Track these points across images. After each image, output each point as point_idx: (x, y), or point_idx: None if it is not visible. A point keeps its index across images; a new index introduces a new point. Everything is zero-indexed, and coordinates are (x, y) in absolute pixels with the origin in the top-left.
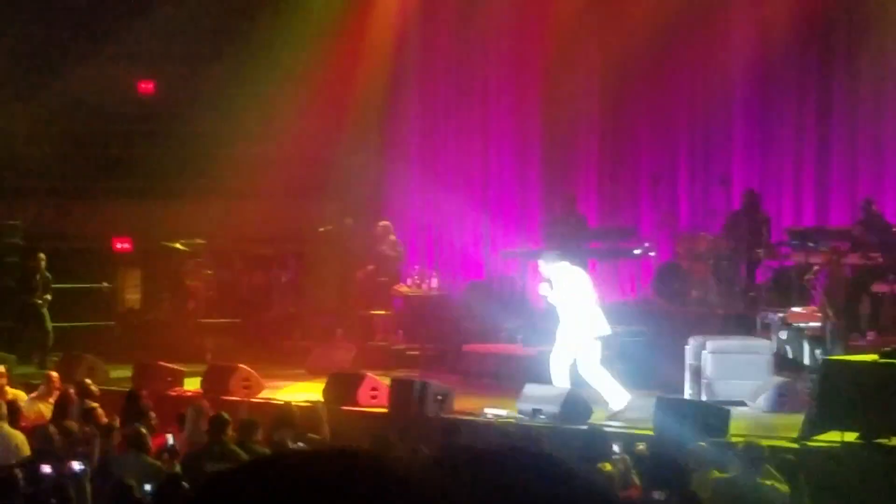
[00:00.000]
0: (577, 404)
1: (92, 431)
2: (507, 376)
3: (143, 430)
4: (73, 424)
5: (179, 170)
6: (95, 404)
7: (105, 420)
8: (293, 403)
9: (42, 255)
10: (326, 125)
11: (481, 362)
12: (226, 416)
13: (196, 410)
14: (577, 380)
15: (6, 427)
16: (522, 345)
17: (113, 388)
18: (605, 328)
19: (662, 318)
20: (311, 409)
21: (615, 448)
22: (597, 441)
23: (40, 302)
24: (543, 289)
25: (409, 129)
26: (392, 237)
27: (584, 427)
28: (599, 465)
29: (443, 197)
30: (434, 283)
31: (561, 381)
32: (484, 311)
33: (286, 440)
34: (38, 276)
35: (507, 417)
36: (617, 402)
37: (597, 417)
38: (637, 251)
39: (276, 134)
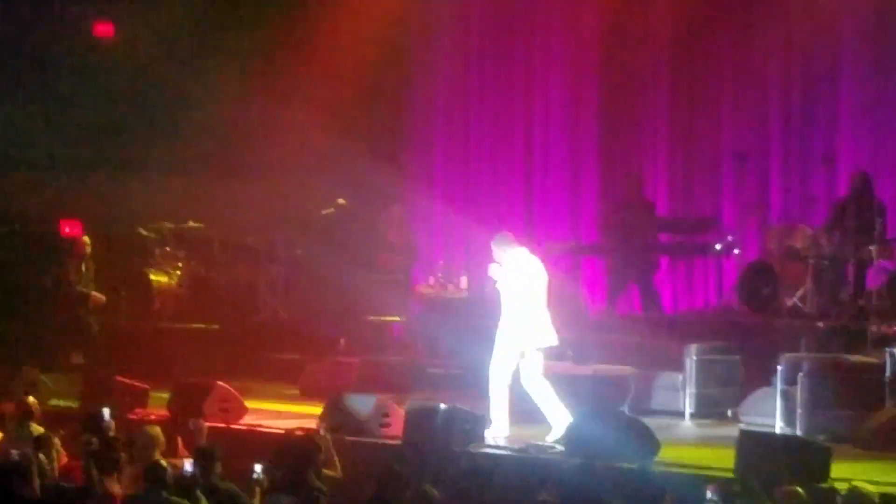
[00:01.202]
0: (641, 437)
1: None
2: None
3: (163, 462)
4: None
5: (143, 136)
6: (40, 429)
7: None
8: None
9: None
10: (327, 83)
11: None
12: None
13: (145, 439)
14: (519, 394)
15: None
16: (574, 361)
17: (58, 407)
18: (553, 337)
19: (747, 332)
20: (310, 440)
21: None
22: (649, 484)
23: None
24: (494, 270)
25: (434, 88)
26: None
27: (634, 467)
28: None
29: (475, 177)
30: (463, 283)
31: (501, 396)
32: None
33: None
34: None
35: (550, 450)
36: (560, 423)
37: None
38: (717, 247)
39: (260, 95)
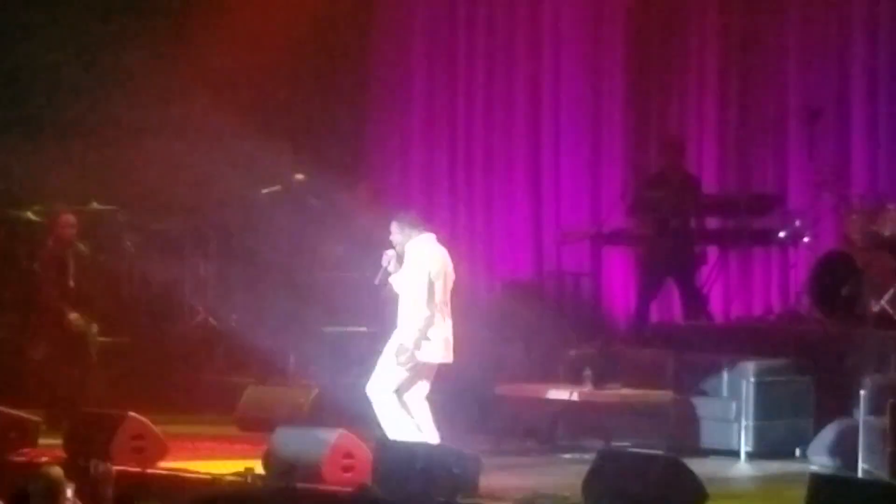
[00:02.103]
0: (684, 485)
1: None
2: (569, 435)
3: None
4: None
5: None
6: None
7: None
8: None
9: None
10: (285, 21)
11: (523, 413)
12: None
13: (46, 484)
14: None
15: None
16: (593, 385)
17: None
18: (449, 354)
19: (821, 346)
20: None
21: None
22: None
23: None
24: (388, 259)
25: (408, 26)
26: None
27: None
28: None
29: (465, 145)
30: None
31: (393, 414)
32: (529, 329)
33: None
34: None
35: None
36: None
37: None
38: (782, 234)
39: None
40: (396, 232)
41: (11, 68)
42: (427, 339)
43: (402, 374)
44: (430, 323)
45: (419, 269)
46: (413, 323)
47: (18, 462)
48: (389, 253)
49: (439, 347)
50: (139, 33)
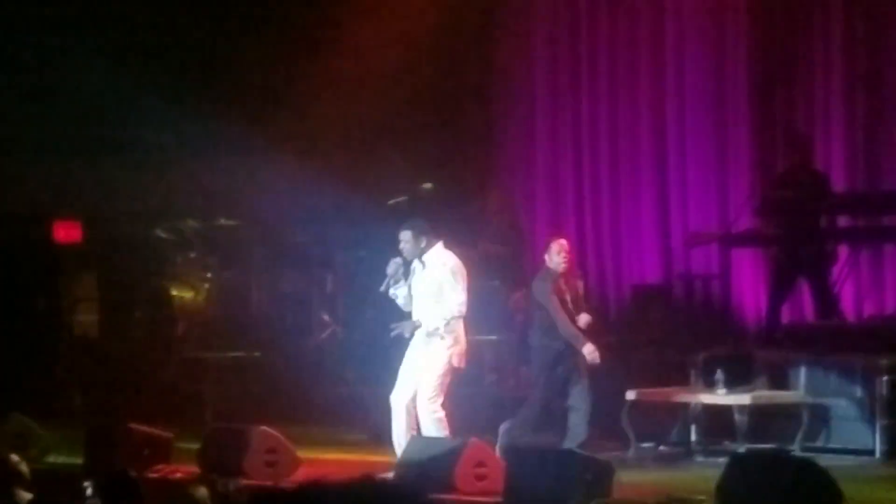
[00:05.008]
0: (818, 486)
1: None
2: (702, 439)
3: None
4: None
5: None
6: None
7: None
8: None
9: None
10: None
11: (654, 417)
12: None
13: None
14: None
15: None
16: (725, 387)
17: (57, 465)
18: (461, 358)
19: None
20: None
21: None
22: None
23: None
24: (395, 268)
25: (532, 32)
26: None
27: None
28: None
29: (590, 150)
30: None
31: (402, 426)
32: (659, 333)
33: None
34: None
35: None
36: None
37: None
38: None
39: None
40: (407, 240)
41: (134, 91)
42: (459, 343)
43: (446, 381)
44: (458, 329)
45: (455, 275)
46: (450, 329)
47: (153, 478)
48: (397, 261)
49: (464, 352)
50: (260, 47)
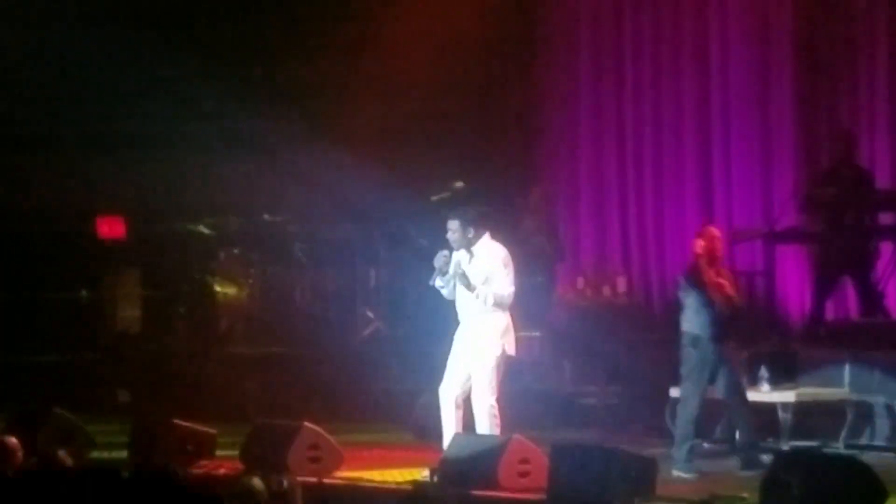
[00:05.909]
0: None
1: None
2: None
3: None
4: None
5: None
6: None
7: None
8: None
9: None
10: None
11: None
12: None
13: (248, 496)
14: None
15: None
16: (769, 384)
17: (101, 460)
18: (513, 346)
19: None
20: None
21: None
22: None
23: None
24: (443, 261)
25: (575, 30)
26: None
27: None
28: None
29: (634, 146)
30: (621, 285)
31: (451, 421)
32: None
33: None
34: None
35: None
36: None
37: None
38: None
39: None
40: (455, 230)
41: (178, 88)
42: (510, 331)
43: (499, 372)
44: (505, 318)
45: (505, 266)
46: (494, 325)
47: (199, 475)
48: (444, 254)
49: (513, 338)
50: (308, 46)
